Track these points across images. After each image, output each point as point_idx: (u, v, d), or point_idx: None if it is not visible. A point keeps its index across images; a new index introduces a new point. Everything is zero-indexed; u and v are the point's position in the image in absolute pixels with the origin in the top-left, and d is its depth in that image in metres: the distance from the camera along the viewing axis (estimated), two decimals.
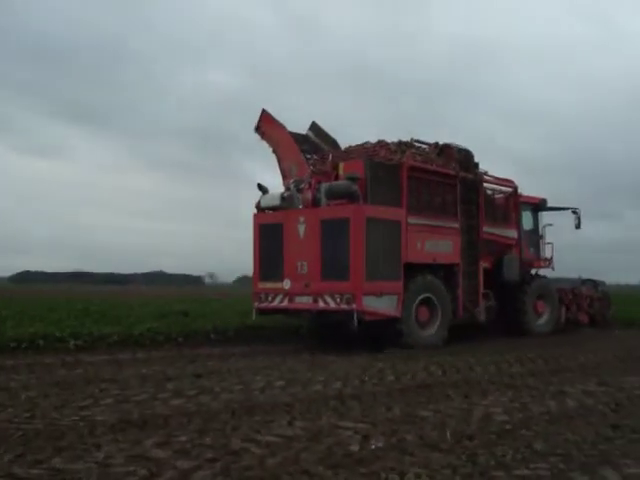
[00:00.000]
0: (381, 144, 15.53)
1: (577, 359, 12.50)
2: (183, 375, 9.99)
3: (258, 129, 16.50)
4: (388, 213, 13.80)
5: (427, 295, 14.51)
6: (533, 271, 19.12)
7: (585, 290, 20.71)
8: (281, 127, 16.18)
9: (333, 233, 13.47)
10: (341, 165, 14.50)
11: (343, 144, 16.70)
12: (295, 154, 15.80)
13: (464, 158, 15.94)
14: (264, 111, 16.45)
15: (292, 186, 14.73)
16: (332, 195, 13.86)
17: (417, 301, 14.29)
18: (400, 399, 8.13)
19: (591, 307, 20.47)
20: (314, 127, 17.01)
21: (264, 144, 16.39)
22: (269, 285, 14.53)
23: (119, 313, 18.25)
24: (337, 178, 14.33)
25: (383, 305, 13.54)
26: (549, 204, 19.30)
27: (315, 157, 16.18)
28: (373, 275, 13.31)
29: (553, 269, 19.47)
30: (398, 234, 13.97)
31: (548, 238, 19.27)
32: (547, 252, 19.24)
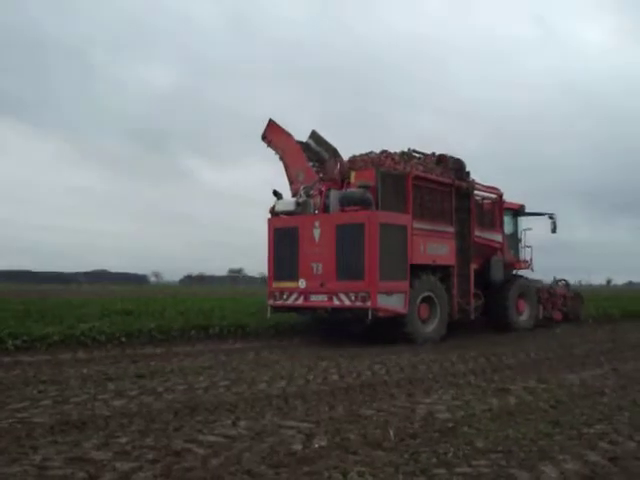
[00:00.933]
0: (385, 154, 16.70)
1: (518, 357, 12.72)
2: (125, 375, 9.82)
3: (265, 138, 17.86)
4: (397, 219, 15.16)
5: (428, 294, 15.78)
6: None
7: (559, 289, 22.22)
8: (287, 135, 17.48)
9: (348, 237, 14.70)
10: (353, 174, 15.80)
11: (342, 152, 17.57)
12: (302, 161, 17.11)
13: (457, 167, 17.35)
14: (271, 120, 17.82)
15: (302, 192, 16.02)
16: (347, 202, 15.03)
17: (419, 299, 15.52)
18: (344, 398, 8.14)
19: (565, 305, 21.95)
20: (314, 135, 17.99)
21: (270, 151, 17.73)
22: (284, 284, 15.63)
23: (60, 312, 17.80)
24: (349, 186, 15.64)
25: (393, 303, 14.76)
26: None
27: (317, 164, 17.29)
28: (385, 275, 14.54)
29: (532, 270, 21.11)
30: (405, 238, 15.26)
31: (528, 242, 20.95)
32: (526, 254, 20.96)
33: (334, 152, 17.41)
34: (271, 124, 17.82)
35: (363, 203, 14.71)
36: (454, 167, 17.21)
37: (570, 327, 20.75)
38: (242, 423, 6.68)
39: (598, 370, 10.92)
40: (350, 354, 12.83)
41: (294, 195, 16.52)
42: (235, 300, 26.50)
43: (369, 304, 14.22)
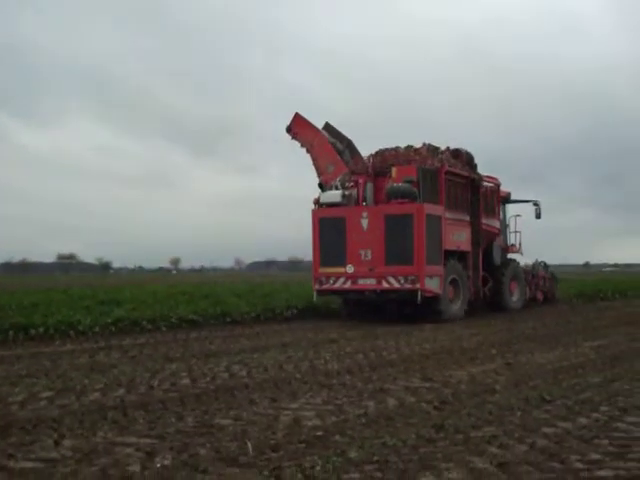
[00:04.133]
0: (411, 149, 21.25)
1: (401, 352, 13.05)
2: None
3: (290, 130, 22.06)
4: (436, 210, 19.70)
5: (454, 276, 20.40)
6: None
7: (540, 271, 27.01)
8: (314, 129, 21.71)
9: (397, 226, 18.99)
10: (394, 169, 19.79)
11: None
12: (331, 154, 21.24)
13: (469, 160, 22.12)
14: (297, 114, 22.00)
15: (338, 183, 20.34)
16: (395, 194, 19.24)
17: (448, 281, 20.01)
18: (195, 406, 8.05)
19: (544, 286, 27.14)
20: (328, 127, 21.81)
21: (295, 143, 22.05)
22: (331, 270, 19.82)
23: None
24: (390, 179, 19.73)
25: (433, 285, 19.24)
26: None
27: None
28: (429, 260, 19.01)
29: (522, 254, 25.97)
30: (440, 227, 19.76)
31: (515, 227, 25.60)
32: (515, 239, 25.65)
33: (349, 143, 21.56)
34: (297, 117, 21.93)
35: (410, 196, 19.06)
36: (467, 160, 21.97)
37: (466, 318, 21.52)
38: (67, 442, 6.44)
39: (489, 364, 11.39)
40: (205, 353, 12.73)
41: (322, 185, 20.92)
42: (66, 292, 25.64)
43: (418, 286, 18.66)
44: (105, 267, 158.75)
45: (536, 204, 25.61)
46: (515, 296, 24.29)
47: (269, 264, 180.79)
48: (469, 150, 22.48)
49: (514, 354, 12.64)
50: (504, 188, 24.74)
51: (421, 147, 21.39)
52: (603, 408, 7.91)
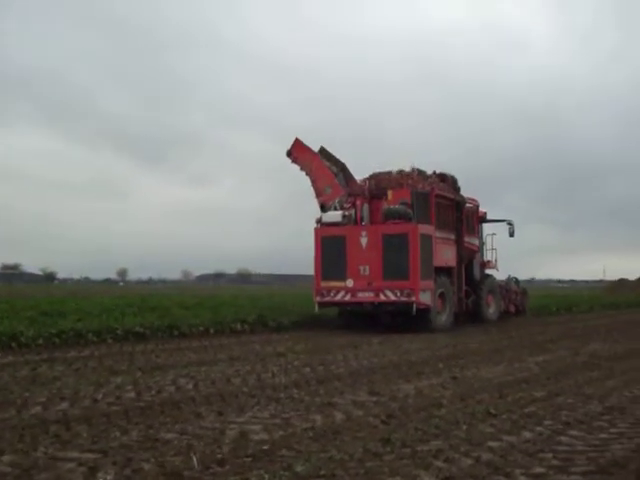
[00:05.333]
0: (404, 174, 23.42)
1: (349, 366, 13.06)
2: None
3: (290, 154, 23.92)
4: (428, 229, 21.70)
5: (442, 290, 22.25)
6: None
7: (512, 286, 29.01)
8: (313, 153, 23.58)
9: (394, 244, 20.98)
10: (390, 192, 22.26)
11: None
12: (329, 178, 23.20)
13: (453, 183, 24.30)
14: (297, 139, 23.86)
15: (337, 204, 22.41)
16: (392, 215, 21.45)
17: (437, 294, 21.78)
18: (140, 420, 7.95)
19: (516, 300, 28.82)
20: (323, 151, 23.60)
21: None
22: (332, 284, 21.66)
23: None
24: (386, 201, 22.05)
25: (426, 298, 21.13)
26: None
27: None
28: (423, 276, 20.94)
29: (498, 270, 27.95)
30: (431, 245, 21.71)
31: (492, 245, 27.50)
32: (491, 256, 27.49)
33: (342, 167, 23.43)
34: (297, 143, 23.81)
35: (405, 217, 21.27)
36: (452, 183, 24.13)
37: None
38: (5, 458, 6.31)
39: (436, 379, 11.45)
40: (152, 366, 12.59)
41: (323, 206, 22.81)
42: (8, 303, 25.09)
43: (413, 299, 20.58)
44: (50, 278, 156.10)
45: (510, 223, 27.48)
46: (492, 308, 26.07)
47: (218, 277, 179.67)
48: (452, 173, 24.71)
49: (460, 368, 12.75)
50: (481, 208, 26.55)
51: (411, 172, 23.53)
52: (547, 422, 8.01)
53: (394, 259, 20.93)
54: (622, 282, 79.78)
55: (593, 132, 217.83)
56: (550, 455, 6.54)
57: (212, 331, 19.70)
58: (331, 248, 21.71)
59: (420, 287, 20.78)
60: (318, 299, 22.02)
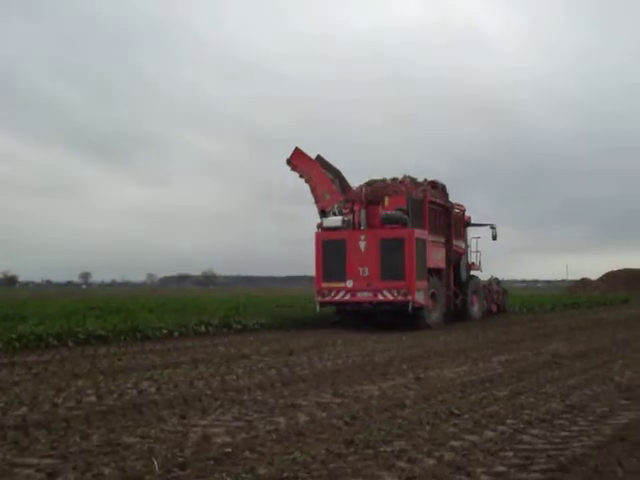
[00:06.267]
0: (399, 181, 25.17)
1: (313, 367, 13.05)
2: None
3: (290, 162, 25.35)
4: (422, 234, 23.52)
5: (433, 290, 24.02)
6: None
7: (494, 286, 31.04)
8: (312, 161, 25.16)
9: (391, 248, 22.54)
10: (387, 199, 23.73)
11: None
12: (327, 185, 24.87)
13: (443, 190, 26.46)
14: (297, 148, 25.31)
15: (336, 210, 24.07)
16: (389, 220, 22.96)
17: (430, 294, 23.52)
18: (101, 424, 7.87)
19: (497, 299, 30.97)
20: (319, 159, 25.23)
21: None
22: (332, 284, 23.05)
23: None
24: (383, 207, 23.52)
25: (421, 297, 22.81)
26: None
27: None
28: (418, 276, 22.60)
29: (481, 271, 29.83)
30: (425, 248, 23.48)
31: (476, 247, 29.36)
32: (475, 258, 29.42)
33: (338, 174, 25.14)
34: (297, 151, 25.26)
35: (402, 222, 22.89)
36: (442, 190, 26.26)
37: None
38: None
39: (400, 379, 11.48)
40: (114, 370, 12.47)
41: (321, 211, 24.49)
42: None
43: (410, 298, 22.18)
44: (11, 281, 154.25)
45: (493, 227, 29.31)
46: (476, 307, 28.22)
47: (182, 279, 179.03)
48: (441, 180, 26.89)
49: (424, 369, 12.79)
50: (466, 213, 28.51)
51: (404, 179, 25.37)
52: (509, 421, 8.06)
53: (392, 261, 22.45)
54: (584, 282, 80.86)
55: (555, 133, 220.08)
56: (511, 454, 6.59)
57: (176, 334, 19.52)
58: (331, 251, 23.05)
59: (416, 287, 22.39)
60: (319, 299, 23.41)
